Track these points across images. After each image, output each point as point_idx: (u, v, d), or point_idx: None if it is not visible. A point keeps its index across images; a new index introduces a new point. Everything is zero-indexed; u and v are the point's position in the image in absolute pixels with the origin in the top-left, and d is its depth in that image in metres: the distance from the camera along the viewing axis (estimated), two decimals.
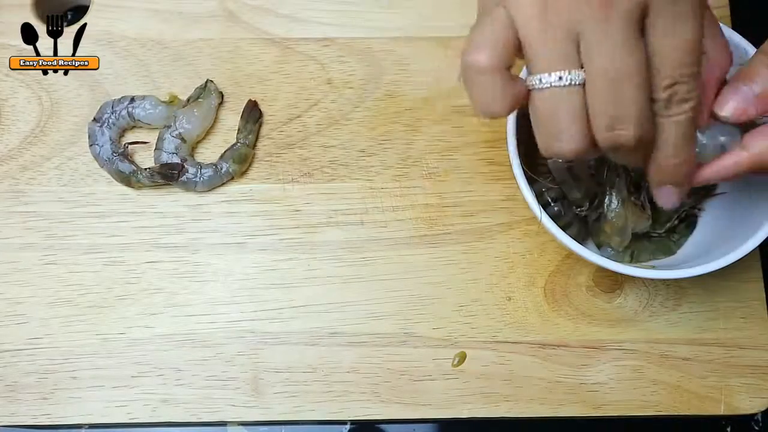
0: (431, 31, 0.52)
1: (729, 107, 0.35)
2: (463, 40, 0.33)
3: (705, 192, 0.46)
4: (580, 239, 0.44)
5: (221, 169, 0.48)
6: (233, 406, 0.45)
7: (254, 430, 0.47)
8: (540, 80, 0.32)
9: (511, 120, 0.42)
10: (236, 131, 0.49)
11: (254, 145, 0.49)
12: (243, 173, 0.49)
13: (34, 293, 0.47)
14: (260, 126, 0.50)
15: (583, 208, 0.45)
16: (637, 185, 0.44)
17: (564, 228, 0.42)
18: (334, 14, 0.52)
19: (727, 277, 0.48)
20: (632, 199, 0.44)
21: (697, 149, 0.35)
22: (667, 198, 0.37)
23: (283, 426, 0.47)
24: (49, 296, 0.47)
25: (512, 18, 0.32)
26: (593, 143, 0.33)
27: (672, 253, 0.47)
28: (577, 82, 0.31)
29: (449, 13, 0.52)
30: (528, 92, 0.32)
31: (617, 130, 0.32)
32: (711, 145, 0.35)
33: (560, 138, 0.32)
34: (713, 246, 0.44)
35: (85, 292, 0.47)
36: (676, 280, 0.48)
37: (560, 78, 0.31)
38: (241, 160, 0.48)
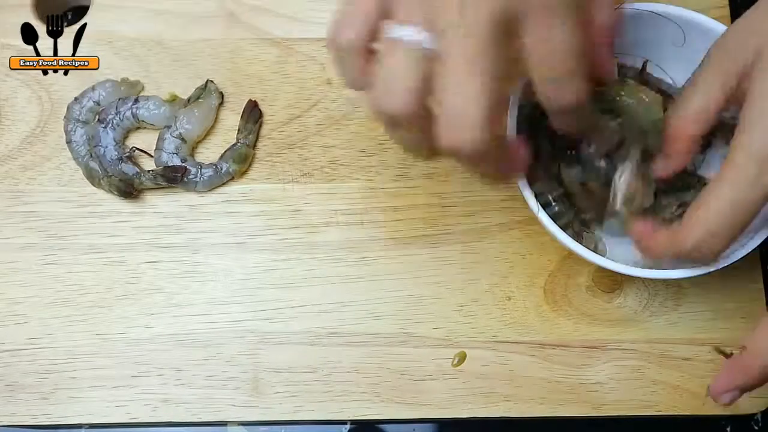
0: None
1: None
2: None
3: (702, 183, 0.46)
4: (580, 238, 0.44)
5: (221, 169, 0.48)
6: (233, 406, 0.45)
7: (254, 430, 0.47)
8: (393, 31, 0.31)
9: (511, 120, 0.42)
10: (236, 131, 0.49)
11: (254, 145, 0.49)
12: (243, 173, 0.49)
13: (34, 293, 0.47)
14: (260, 126, 0.50)
15: (587, 215, 0.45)
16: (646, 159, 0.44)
17: (564, 228, 0.42)
18: (334, 14, 0.52)
19: (727, 277, 0.48)
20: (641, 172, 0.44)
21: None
22: (563, 122, 0.38)
23: (283, 426, 0.47)
24: (49, 296, 0.47)
25: None
26: (419, 116, 0.32)
27: None
28: (427, 45, 0.31)
29: None
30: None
31: (452, 128, 0.32)
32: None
33: (390, 94, 0.32)
34: None
35: (85, 292, 0.47)
36: (676, 280, 0.48)
37: (411, 34, 0.31)
38: (241, 160, 0.48)
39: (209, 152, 0.50)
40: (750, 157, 0.35)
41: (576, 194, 0.44)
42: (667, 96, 0.45)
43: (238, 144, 0.49)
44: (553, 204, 0.44)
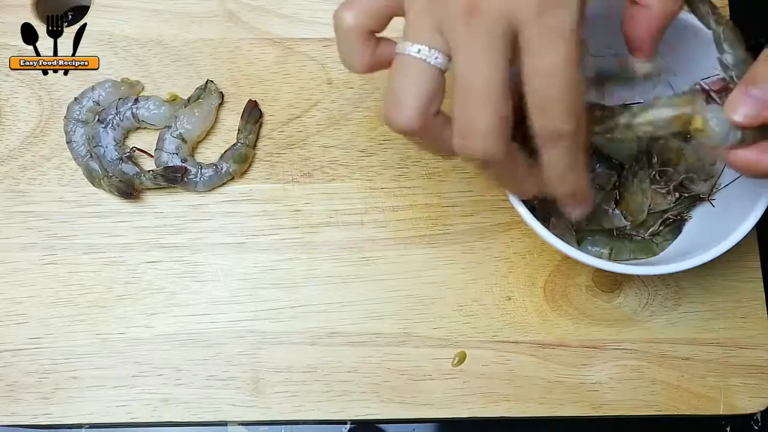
0: None
1: (741, 112, 0.33)
2: None
3: (693, 199, 0.46)
4: (559, 233, 0.44)
5: (221, 169, 0.48)
6: (233, 405, 0.45)
7: (254, 430, 0.47)
8: (404, 47, 0.33)
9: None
10: (236, 131, 0.49)
11: (254, 145, 0.49)
12: (243, 173, 0.49)
13: (35, 293, 0.47)
14: (260, 126, 0.50)
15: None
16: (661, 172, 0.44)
17: (541, 221, 0.42)
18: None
19: (727, 277, 0.48)
20: (652, 186, 0.44)
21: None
22: (573, 212, 0.38)
23: (283, 426, 0.47)
24: (49, 296, 0.47)
25: None
26: (428, 129, 0.33)
27: (654, 254, 0.46)
28: (435, 63, 0.32)
29: None
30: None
31: (465, 140, 0.32)
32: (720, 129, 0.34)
33: (399, 107, 0.33)
34: (694, 248, 0.43)
35: (85, 292, 0.47)
36: (675, 280, 0.48)
37: (419, 51, 0.32)
38: (241, 160, 0.48)
39: (209, 152, 0.50)
40: None
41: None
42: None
43: (238, 144, 0.49)
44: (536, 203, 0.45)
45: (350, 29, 0.35)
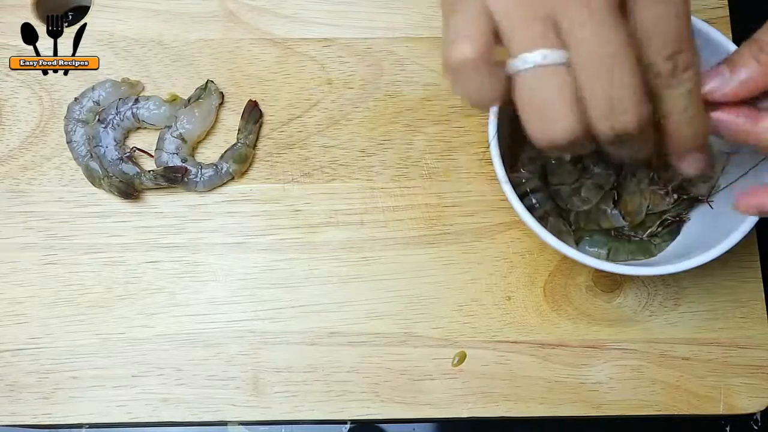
0: (431, 31, 0.52)
1: (706, 87, 0.34)
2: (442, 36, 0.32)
3: (691, 201, 0.46)
4: (556, 232, 0.44)
5: (221, 169, 0.48)
6: (233, 405, 0.45)
7: (254, 430, 0.47)
8: (524, 60, 0.30)
9: (492, 116, 0.42)
10: (236, 131, 0.50)
11: (254, 145, 0.49)
12: (243, 173, 0.49)
13: (35, 293, 0.47)
14: (260, 126, 0.50)
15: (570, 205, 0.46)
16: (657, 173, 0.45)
17: (539, 220, 0.42)
18: (334, 14, 0.52)
19: (727, 277, 0.48)
20: (651, 187, 0.44)
21: None
22: (694, 164, 0.36)
23: (283, 426, 0.47)
24: (49, 296, 0.47)
25: (486, 6, 0.31)
26: (588, 132, 0.31)
27: (652, 254, 0.46)
28: (561, 61, 0.30)
29: None
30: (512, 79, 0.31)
31: (617, 115, 0.30)
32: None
33: (554, 121, 0.31)
34: (693, 249, 0.43)
35: (85, 292, 0.47)
36: (675, 280, 0.48)
37: (544, 56, 0.30)
38: (241, 160, 0.48)
39: (209, 152, 0.50)
40: None
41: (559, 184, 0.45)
42: None
43: (239, 144, 0.49)
44: (531, 195, 0.45)
45: (474, 61, 0.31)
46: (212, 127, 0.50)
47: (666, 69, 0.32)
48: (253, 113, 0.49)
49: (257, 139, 0.50)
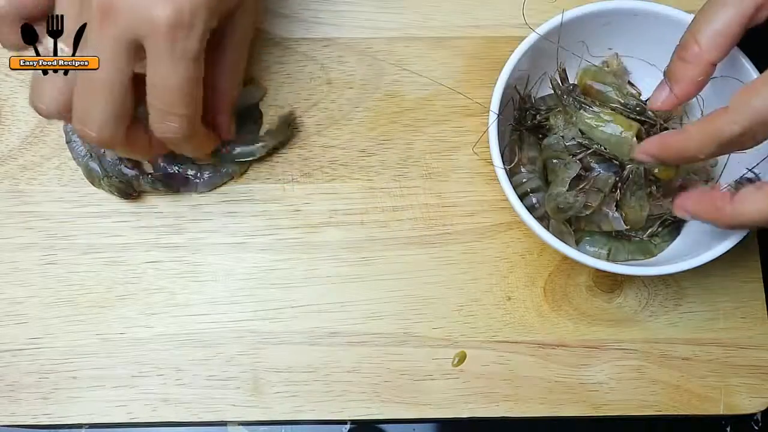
0: (431, 31, 0.52)
1: (655, 104, 0.42)
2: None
3: None
4: (557, 232, 0.44)
5: (221, 169, 0.48)
6: (233, 405, 0.45)
7: (254, 430, 0.47)
8: (44, 41, 0.40)
9: (492, 118, 0.42)
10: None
11: (266, 154, 0.49)
12: (243, 174, 0.49)
13: (34, 293, 0.47)
14: (281, 145, 0.49)
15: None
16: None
17: (540, 220, 0.42)
18: (334, 14, 0.52)
19: (727, 277, 0.48)
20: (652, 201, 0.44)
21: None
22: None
23: (283, 426, 0.47)
24: (49, 296, 0.47)
25: None
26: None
27: (652, 255, 0.46)
28: (67, 56, 0.39)
29: (449, 13, 0.52)
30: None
31: (84, 126, 0.38)
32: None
33: (41, 97, 0.39)
34: (693, 249, 0.43)
35: (85, 292, 0.47)
36: (675, 280, 0.48)
37: (61, 46, 0.39)
38: (245, 162, 0.48)
39: None
40: None
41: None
42: (640, 112, 0.44)
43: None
44: (531, 194, 0.44)
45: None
46: None
47: (153, 123, 0.39)
48: (282, 130, 0.49)
49: (269, 154, 0.49)
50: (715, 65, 0.39)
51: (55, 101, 0.39)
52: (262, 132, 0.49)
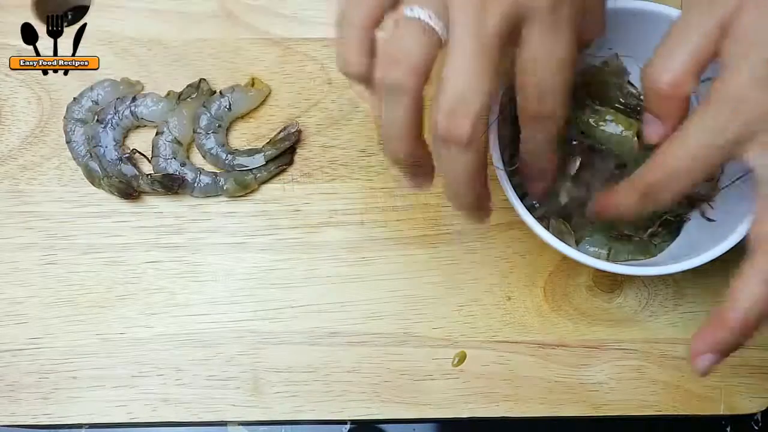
0: None
1: (654, 138, 0.38)
2: None
3: (692, 201, 0.46)
4: (557, 232, 0.44)
5: (219, 182, 0.48)
6: (233, 405, 0.45)
7: (254, 430, 0.47)
8: (412, 10, 0.32)
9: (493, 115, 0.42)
10: (241, 133, 0.49)
11: (263, 182, 0.49)
12: (236, 196, 0.48)
13: (34, 293, 0.47)
14: (282, 171, 0.49)
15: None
16: None
17: (540, 220, 0.42)
18: (334, 14, 0.52)
19: (727, 277, 0.47)
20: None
21: None
22: (534, 186, 0.43)
23: (283, 426, 0.47)
24: (49, 296, 0.47)
25: None
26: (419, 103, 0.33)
27: (652, 255, 0.46)
28: (438, 34, 0.32)
29: None
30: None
31: (454, 118, 0.32)
32: None
33: (398, 64, 0.32)
34: (693, 249, 0.43)
35: (85, 292, 0.47)
36: (675, 281, 0.48)
37: (429, 17, 0.32)
38: (241, 187, 0.48)
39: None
40: (724, 100, 0.34)
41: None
42: (640, 111, 0.44)
43: (250, 174, 0.48)
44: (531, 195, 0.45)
45: (358, 25, 0.35)
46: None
47: (525, 114, 0.36)
48: (286, 158, 0.49)
49: (270, 178, 0.49)
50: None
51: (412, 74, 0.33)
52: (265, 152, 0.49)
